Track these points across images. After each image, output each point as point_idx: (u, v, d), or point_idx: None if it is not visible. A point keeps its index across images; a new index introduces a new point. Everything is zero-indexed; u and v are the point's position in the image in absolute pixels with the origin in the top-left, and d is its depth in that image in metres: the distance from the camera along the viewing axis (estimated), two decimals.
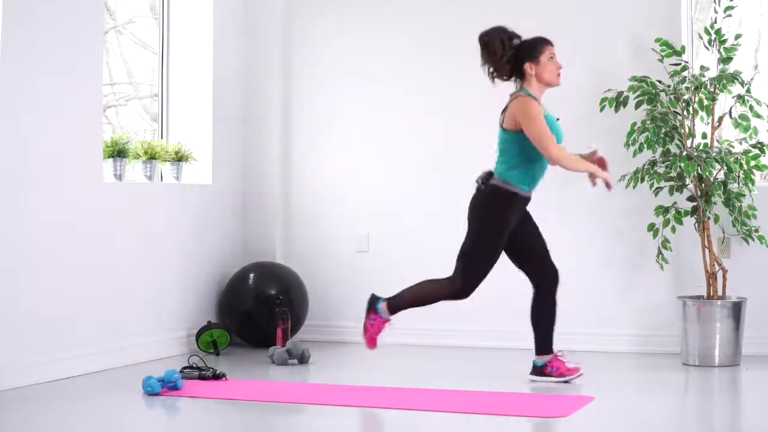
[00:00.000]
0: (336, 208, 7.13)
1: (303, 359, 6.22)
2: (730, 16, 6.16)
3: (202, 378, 5.61)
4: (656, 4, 6.52)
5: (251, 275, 6.80)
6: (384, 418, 4.89)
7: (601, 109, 6.31)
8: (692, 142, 6.17)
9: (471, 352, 6.57)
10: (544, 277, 5.56)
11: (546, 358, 5.57)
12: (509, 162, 5.43)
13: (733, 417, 5.05)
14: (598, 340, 6.53)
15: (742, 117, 6.10)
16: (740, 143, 6.16)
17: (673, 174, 6.13)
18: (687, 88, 6.12)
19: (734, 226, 6.14)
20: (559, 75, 5.53)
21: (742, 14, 6.58)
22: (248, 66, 7.21)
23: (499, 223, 5.43)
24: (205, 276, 6.83)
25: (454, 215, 6.48)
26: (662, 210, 6.21)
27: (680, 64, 6.15)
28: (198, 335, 6.52)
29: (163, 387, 5.29)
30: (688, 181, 6.15)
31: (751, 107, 6.08)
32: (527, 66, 5.48)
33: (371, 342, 5.63)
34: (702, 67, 6.17)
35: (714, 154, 6.01)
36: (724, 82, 6.02)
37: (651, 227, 6.28)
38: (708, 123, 6.21)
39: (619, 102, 6.25)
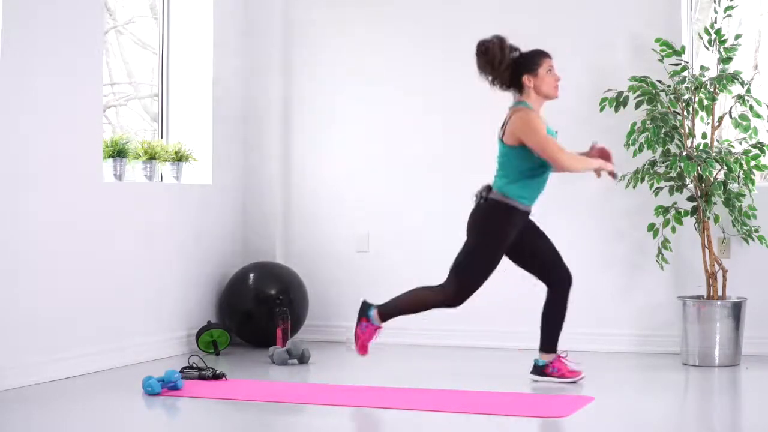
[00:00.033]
0: (336, 208, 7.13)
1: (303, 359, 6.22)
2: (730, 16, 6.16)
3: (202, 378, 5.61)
4: (656, 4, 6.52)
5: (251, 275, 6.80)
6: (384, 418, 4.89)
7: (601, 109, 6.31)
8: (692, 142, 6.17)
9: (471, 352, 6.57)
10: (557, 280, 5.55)
11: (549, 357, 5.57)
12: (509, 176, 5.42)
13: (733, 417, 5.05)
14: (598, 340, 6.52)
15: (742, 117, 6.10)
16: (740, 143, 6.16)
17: (673, 174, 6.13)
18: (687, 88, 6.12)
19: (734, 226, 6.14)
20: (557, 87, 5.51)
21: (742, 14, 6.58)
22: (248, 66, 7.21)
23: (497, 238, 5.43)
24: (205, 276, 6.83)
25: (454, 215, 6.48)
26: (662, 210, 6.21)
27: (680, 64, 6.15)
28: (198, 335, 6.52)
29: (163, 387, 5.29)
30: (688, 181, 6.15)
31: (751, 107, 6.08)
32: (526, 78, 5.47)
33: (362, 349, 5.64)
34: (702, 67, 6.17)
35: (714, 154, 6.01)
36: (724, 82, 6.02)
37: (651, 227, 6.28)
38: (708, 123, 6.21)
39: (619, 102, 6.25)
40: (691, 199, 6.20)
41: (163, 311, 6.45)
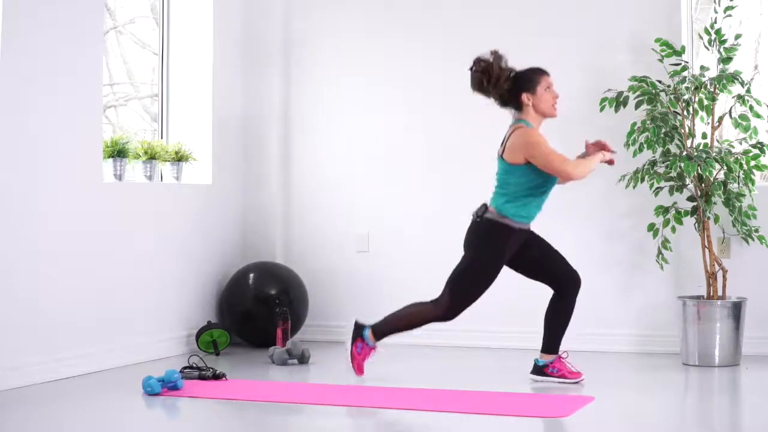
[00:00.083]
0: (336, 209, 7.13)
1: (303, 359, 6.22)
2: (730, 16, 6.16)
3: (202, 378, 5.61)
4: (656, 4, 6.52)
5: (251, 275, 6.80)
6: (384, 418, 4.89)
7: (601, 109, 6.30)
8: (692, 142, 6.17)
9: (471, 352, 6.57)
10: (566, 285, 5.55)
11: (549, 358, 5.57)
12: (508, 194, 5.41)
13: (733, 417, 5.05)
14: (598, 340, 6.53)
15: (742, 117, 6.10)
16: (740, 143, 6.17)
17: (673, 174, 6.13)
18: (687, 88, 6.12)
19: (734, 226, 6.14)
20: (555, 106, 5.50)
21: (742, 14, 6.58)
22: (248, 66, 7.21)
23: (493, 257, 5.43)
24: (205, 276, 6.83)
25: (454, 215, 6.48)
26: (662, 210, 6.22)
27: (680, 64, 6.15)
28: (198, 335, 6.52)
29: (163, 387, 5.29)
30: (688, 181, 6.15)
31: (751, 107, 6.08)
32: (524, 97, 5.45)
33: (359, 369, 5.65)
34: (702, 67, 6.17)
35: (714, 154, 6.01)
36: (724, 82, 6.02)
37: (651, 227, 6.28)
38: (708, 123, 6.21)
39: (619, 102, 6.25)
40: (691, 199, 6.20)
41: (163, 311, 6.45)
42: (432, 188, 6.92)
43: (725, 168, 6.00)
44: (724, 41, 6.10)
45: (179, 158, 6.66)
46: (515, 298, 6.39)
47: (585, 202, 6.57)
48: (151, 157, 6.45)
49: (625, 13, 6.58)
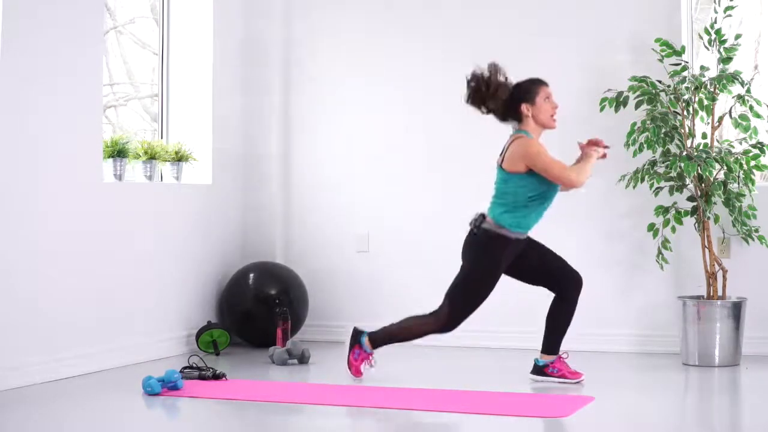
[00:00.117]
0: (336, 209, 7.13)
1: (303, 359, 6.22)
2: (730, 16, 6.16)
3: (202, 378, 5.61)
4: (656, 4, 6.52)
5: (251, 275, 6.80)
6: (384, 418, 4.89)
7: (601, 109, 6.30)
8: (692, 142, 6.17)
9: (471, 352, 6.57)
10: (567, 287, 5.54)
11: (549, 358, 5.57)
12: (506, 204, 5.40)
13: (733, 417, 5.05)
14: (598, 340, 6.53)
15: (742, 117, 6.10)
16: (740, 143, 6.17)
17: (673, 174, 6.13)
18: (687, 88, 6.12)
19: (734, 226, 6.14)
20: (554, 116, 5.49)
21: (742, 14, 6.58)
22: (248, 66, 7.20)
23: (490, 268, 5.43)
24: (205, 276, 6.83)
25: (454, 215, 6.48)
26: (662, 210, 6.22)
27: (680, 64, 6.15)
28: (198, 335, 6.52)
29: (163, 387, 5.29)
30: (688, 181, 6.15)
31: (751, 107, 6.08)
32: (524, 107, 5.45)
33: (357, 372, 5.66)
34: (702, 67, 6.17)
35: (714, 154, 6.01)
36: (724, 82, 6.02)
37: (651, 227, 6.28)
38: (708, 123, 6.21)
39: (619, 102, 6.25)
40: (691, 199, 6.20)
41: (163, 311, 6.45)
42: (432, 188, 6.92)
43: (725, 168, 6.00)
44: (724, 41, 6.10)
45: (179, 158, 6.65)
46: (515, 298, 6.39)
47: (585, 203, 6.57)
48: (151, 157, 6.45)
49: (625, 13, 6.58)
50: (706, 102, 6.10)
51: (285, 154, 7.24)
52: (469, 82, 5.46)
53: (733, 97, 6.13)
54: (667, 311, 6.43)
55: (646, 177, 6.15)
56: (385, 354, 5.75)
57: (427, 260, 6.82)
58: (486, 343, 6.69)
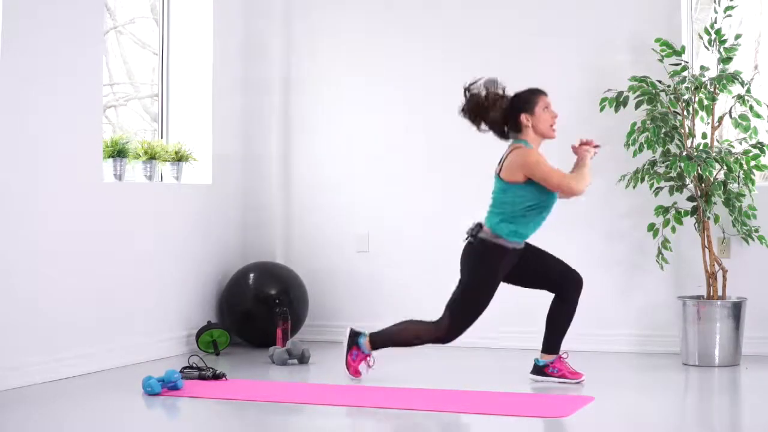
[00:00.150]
0: (336, 209, 7.13)
1: (303, 359, 6.22)
2: (730, 16, 6.16)
3: (202, 378, 5.61)
4: (656, 4, 6.52)
5: (251, 275, 6.80)
6: (384, 418, 4.89)
7: (601, 109, 6.30)
8: (692, 142, 6.17)
9: (471, 352, 6.57)
10: (568, 288, 5.54)
11: (549, 358, 5.57)
12: (503, 214, 5.40)
13: (733, 417, 5.05)
14: (598, 340, 6.53)
15: (742, 117, 6.10)
16: (740, 143, 6.17)
17: (673, 174, 6.13)
18: (687, 88, 6.12)
19: (734, 226, 6.14)
20: (553, 126, 5.49)
21: (742, 14, 6.58)
22: (248, 66, 7.20)
23: (488, 278, 5.43)
24: (205, 276, 6.83)
25: (454, 215, 6.50)
26: (662, 210, 6.21)
27: (680, 64, 6.15)
28: (198, 335, 6.52)
29: (163, 387, 5.29)
30: (688, 181, 6.15)
31: (751, 107, 6.08)
32: (523, 117, 5.45)
33: (356, 372, 5.66)
34: (702, 67, 6.17)
35: (714, 154, 6.01)
36: (724, 82, 6.02)
37: (651, 227, 6.28)
38: (708, 123, 6.21)
39: (619, 102, 6.25)
40: (691, 199, 6.20)
41: (163, 311, 6.45)
42: (432, 188, 6.92)
43: (725, 168, 6.00)
44: (724, 41, 6.10)
45: (179, 158, 6.66)
46: (515, 298, 6.38)
47: (585, 203, 6.55)
48: (151, 157, 6.45)
49: (625, 13, 6.58)
50: (706, 102, 6.10)
51: (285, 154, 7.24)
52: (467, 101, 5.46)
53: (733, 97, 6.13)
54: (667, 311, 6.43)
55: (646, 177, 6.15)
56: (385, 354, 5.75)
57: (427, 260, 6.82)
58: (486, 343, 6.69)
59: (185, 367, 5.69)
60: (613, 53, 6.58)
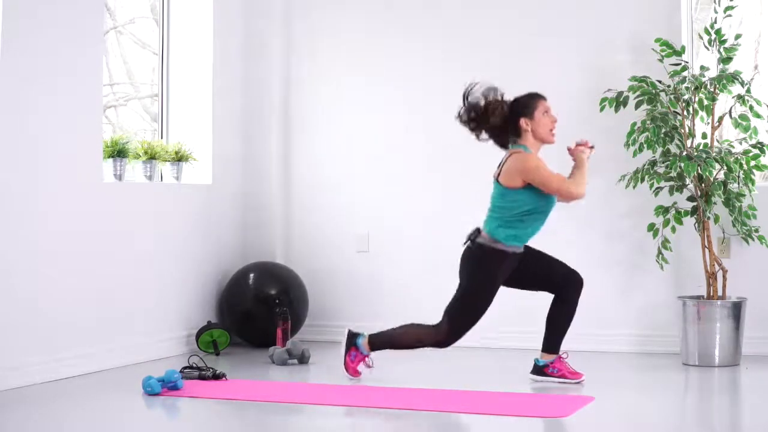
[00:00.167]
0: (336, 209, 7.13)
1: (303, 359, 6.22)
2: (730, 16, 6.16)
3: (202, 378, 5.61)
4: (656, 4, 6.52)
5: (251, 275, 6.80)
6: (384, 418, 4.89)
7: (601, 109, 6.30)
8: (692, 142, 6.17)
9: (471, 352, 6.57)
10: (568, 289, 5.54)
11: (549, 358, 5.57)
12: (502, 218, 5.40)
13: (733, 417, 5.05)
14: (598, 340, 6.53)
15: (742, 117, 6.10)
16: (740, 143, 6.17)
17: (673, 174, 6.13)
18: (687, 88, 6.12)
19: (734, 226, 6.14)
20: (552, 131, 5.48)
21: (742, 14, 6.58)
22: (248, 66, 7.20)
23: (486, 283, 5.43)
24: (205, 276, 6.83)
25: (454, 215, 6.50)
26: (662, 210, 6.21)
27: (680, 64, 6.15)
28: (198, 335, 6.52)
29: (163, 387, 5.29)
30: (688, 181, 6.15)
31: (751, 107, 6.08)
32: (523, 122, 5.44)
33: (354, 372, 5.66)
34: (702, 67, 6.17)
35: (714, 154, 6.01)
36: (724, 82, 6.02)
37: (651, 227, 6.28)
38: (708, 123, 6.21)
39: (619, 102, 6.25)
40: (691, 199, 6.20)
41: (163, 311, 6.45)
42: (432, 188, 6.92)
43: (725, 168, 6.00)
44: (724, 41, 6.10)
45: (179, 158, 6.66)
46: (515, 299, 6.38)
47: (585, 203, 6.53)
48: (151, 157, 6.45)
49: (625, 13, 6.58)
50: (706, 102, 6.10)
51: (285, 154, 7.24)
52: (466, 110, 5.46)
53: (733, 97, 6.13)
54: (667, 311, 6.43)
55: (646, 177, 6.15)
56: (385, 354, 5.75)
57: (427, 260, 6.82)
58: (486, 343, 6.69)
59: (185, 367, 5.69)
60: (613, 53, 6.58)
